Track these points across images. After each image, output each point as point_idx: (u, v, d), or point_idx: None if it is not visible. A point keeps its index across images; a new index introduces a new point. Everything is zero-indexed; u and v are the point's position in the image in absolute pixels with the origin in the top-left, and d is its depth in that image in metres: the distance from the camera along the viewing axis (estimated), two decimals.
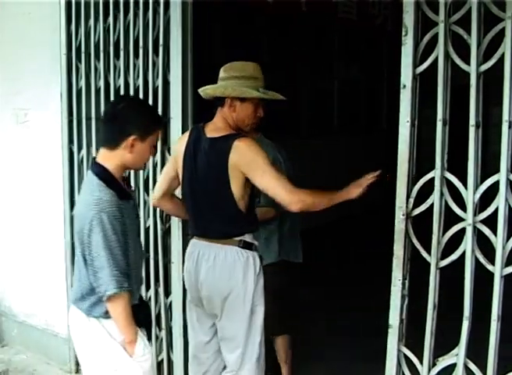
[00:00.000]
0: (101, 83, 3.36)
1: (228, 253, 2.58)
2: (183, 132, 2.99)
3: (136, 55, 3.16)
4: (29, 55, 3.72)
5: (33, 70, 3.70)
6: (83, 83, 3.45)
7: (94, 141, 3.43)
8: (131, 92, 3.19)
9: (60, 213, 3.65)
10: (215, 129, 2.59)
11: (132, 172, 3.21)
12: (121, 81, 3.25)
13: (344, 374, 3.64)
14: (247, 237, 2.61)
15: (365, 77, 9.08)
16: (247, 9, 6.13)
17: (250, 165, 2.46)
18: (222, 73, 2.61)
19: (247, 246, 2.60)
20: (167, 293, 3.22)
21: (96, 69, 3.39)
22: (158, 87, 3.07)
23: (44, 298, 3.91)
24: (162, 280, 3.20)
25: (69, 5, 3.44)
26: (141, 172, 3.19)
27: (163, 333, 3.26)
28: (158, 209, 3.14)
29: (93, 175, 2.19)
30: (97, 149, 3.19)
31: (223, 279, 2.59)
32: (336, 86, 8.43)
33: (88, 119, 3.46)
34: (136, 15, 3.13)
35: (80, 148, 3.52)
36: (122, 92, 3.24)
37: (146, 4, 3.07)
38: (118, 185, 2.22)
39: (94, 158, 2.29)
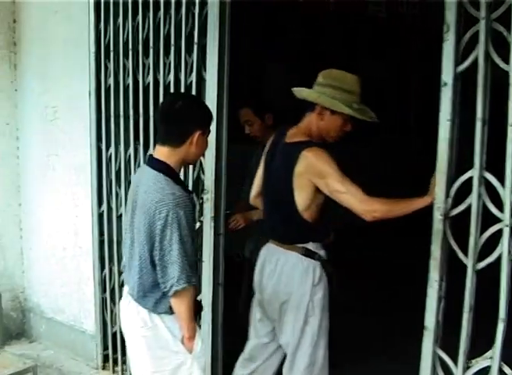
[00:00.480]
0: (130, 81, 3.36)
1: (289, 259, 2.60)
2: (217, 130, 2.99)
3: (166, 53, 3.15)
4: (58, 54, 3.73)
5: (62, 68, 3.72)
6: (111, 81, 3.44)
7: (122, 139, 3.43)
8: (161, 89, 3.18)
9: (88, 210, 3.66)
10: (294, 133, 2.60)
11: None
12: (150, 79, 3.24)
13: None
14: (311, 246, 2.60)
15: (393, 76, 8.94)
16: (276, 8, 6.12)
17: (318, 175, 2.44)
18: (320, 78, 2.58)
19: (309, 254, 2.58)
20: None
21: (124, 67, 3.38)
22: (190, 84, 3.06)
23: (71, 294, 3.93)
24: None
25: (97, 3, 3.44)
26: None
27: None
28: None
29: (155, 171, 2.21)
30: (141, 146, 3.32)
31: (281, 284, 2.60)
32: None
33: (116, 117, 3.45)
34: (166, 13, 3.12)
35: (108, 146, 3.52)
36: (151, 89, 3.23)
37: (178, 3, 3.06)
38: (181, 180, 2.33)
39: (151, 155, 2.33)
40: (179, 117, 2.24)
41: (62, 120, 3.79)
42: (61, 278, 3.98)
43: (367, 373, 3.65)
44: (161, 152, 2.25)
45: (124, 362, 3.66)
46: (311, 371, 2.65)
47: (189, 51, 3.07)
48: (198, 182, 3.13)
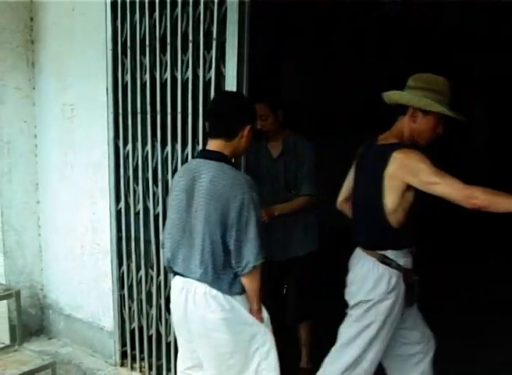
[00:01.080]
0: (147, 78, 3.35)
1: (365, 264, 2.63)
2: None
3: (183, 50, 3.14)
4: (75, 51, 3.74)
5: (79, 66, 3.73)
6: (128, 78, 3.44)
7: (139, 135, 3.43)
8: (178, 86, 3.18)
9: (106, 208, 3.66)
10: (386, 137, 2.62)
11: (179, 167, 3.22)
12: (167, 75, 3.24)
13: None
14: (390, 253, 2.60)
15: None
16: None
17: (411, 173, 2.43)
18: (410, 82, 2.60)
19: (386, 262, 2.59)
20: None
21: (141, 64, 3.38)
22: (209, 80, 3.05)
23: (90, 291, 3.95)
24: None
25: (114, 1, 3.43)
26: None
27: None
28: None
29: (217, 162, 2.40)
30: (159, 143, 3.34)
31: (355, 286, 2.66)
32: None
33: (134, 113, 3.45)
34: (183, 10, 3.11)
35: (125, 143, 3.52)
36: (168, 86, 3.22)
37: (196, 0, 3.05)
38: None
39: (204, 149, 2.55)
40: (234, 112, 2.45)
41: (79, 118, 3.80)
42: (79, 275, 4.00)
43: None
44: (215, 145, 2.45)
45: (142, 358, 3.67)
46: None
47: (207, 48, 3.06)
48: None
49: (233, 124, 2.44)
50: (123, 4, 3.39)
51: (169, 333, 3.47)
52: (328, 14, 6.70)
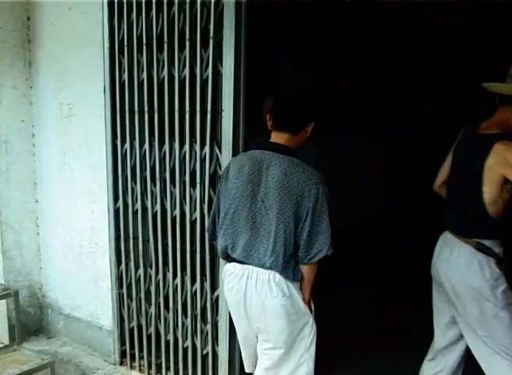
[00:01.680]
0: (144, 77, 3.35)
1: (462, 252, 2.64)
2: (234, 125, 2.99)
3: (180, 48, 3.14)
4: (72, 50, 3.73)
5: (76, 65, 3.71)
6: (126, 76, 3.43)
7: (137, 134, 3.42)
8: (176, 84, 3.18)
9: (104, 206, 3.66)
10: (488, 126, 2.61)
11: (177, 166, 3.23)
12: (165, 74, 3.24)
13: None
14: (487, 242, 2.61)
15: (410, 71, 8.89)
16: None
17: (509, 165, 2.45)
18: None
19: (483, 249, 2.60)
20: (213, 287, 3.22)
21: (139, 62, 3.37)
22: (206, 78, 3.05)
23: (89, 290, 3.95)
24: (209, 274, 3.20)
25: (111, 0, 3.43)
26: (187, 165, 3.18)
27: (208, 327, 3.27)
28: (205, 202, 3.13)
29: (286, 156, 2.47)
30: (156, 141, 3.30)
31: (457, 276, 2.66)
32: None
33: (131, 112, 3.45)
34: (180, 8, 3.11)
35: (123, 142, 3.51)
36: (166, 85, 3.23)
37: None
38: None
39: (269, 142, 2.57)
40: (304, 109, 2.54)
41: (77, 117, 3.79)
42: (78, 274, 4.00)
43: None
44: (281, 138, 2.54)
45: (141, 357, 3.68)
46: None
47: (204, 46, 3.06)
48: (215, 177, 3.12)
49: (303, 120, 2.53)
50: (120, 3, 3.39)
51: (168, 332, 3.48)
52: (328, 13, 6.72)
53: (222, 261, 3.12)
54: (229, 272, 2.61)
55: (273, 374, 2.61)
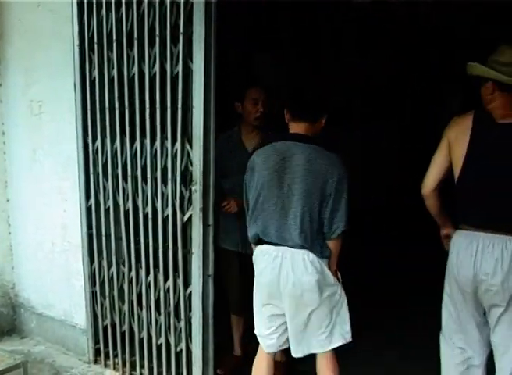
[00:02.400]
0: (115, 73, 3.33)
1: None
2: (205, 121, 3.00)
3: (150, 44, 3.13)
4: (42, 47, 3.69)
5: (46, 62, 3.68)
6: (96, 73, 3.40)
7: (108, 131, 3.40)
8: (146, 81, 3.17)
9: (76, 204, 3.64)
10: (506, 115, 2.60)
11: (148, 162, 3.22)
12: (135, 70, 3.22)
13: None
14: None
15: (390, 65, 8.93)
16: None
17: None
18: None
19: None
20: (186, 284, 3.22)
21: (109, 59, 3.35)
22: (176, 75, 3.05)
23: (61, 289, 3.92)
24: (182, 271, 3.20)
25: None
26: (158, 162, 3.17)
27: (182, 324, 3.27)
28: (177, 199, 3.12)
29: (307, 144, 2.72)
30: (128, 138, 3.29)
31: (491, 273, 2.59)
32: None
33: (102, 109, 3.42)
34: (150, 4, 3.10)
35: (94, 139, 3.49)
36: (136, 81, 3.21)
37: None
38: None
39: (289, 133, 2.80)
40: (323, 99, 2.82)
41: (47, 114, 3.75)
42: (50, 273, 3.97)
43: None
44: (300, 128, 2.79)
45: (115, 355, 3.67)
46: None
47: (174, 42, 3.05)
48: (186, 173, 3.11)
49: (321, 110, 2.80)
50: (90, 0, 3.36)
51: (142, 330, 3.47)
52: (305, 12, 6.73)
53: (194, 257, 3.14)
54: (263, 253, 2.82)
55: (304, 340, 2.84)
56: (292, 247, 2.74)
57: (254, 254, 2.91)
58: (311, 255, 2.72)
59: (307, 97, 2.84)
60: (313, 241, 2.73)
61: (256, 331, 3.02)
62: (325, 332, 2.82)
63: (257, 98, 3.39)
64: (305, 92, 2.87)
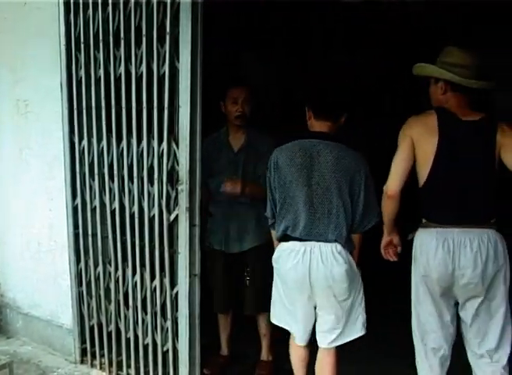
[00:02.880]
0: (101, 73, 3.33)
1: (490, 237, 2.67)
2: (191, 121, 2.99)
3: (137, 44, 3.13)
4: (29, 46, 3.68)
5: (33, 61, 3.67)
6: (82, 73, 3.40)
7: (94, 130, 3.40)
8: (133, 80, 3.16)
9: (62, 204, 3.63)
10: (465, 113, 2.69)
11: (135, 162, 3.22)
12: (121, 70, 3.22)
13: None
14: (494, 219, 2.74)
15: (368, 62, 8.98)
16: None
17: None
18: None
19: (500, 229, 2.73)
20: (172, 283, 3.21)
21: (95, 58, 3.35)
22: (163, 74, 3.05)
23: (48, 289, 3.91)
24: (168, 270, 3.19)
25: None
26: (145, 161, 3.18)
27: (168, 324, 3.26)
28: (163, 198, 3.12)
29: (333, 142, 2.82)
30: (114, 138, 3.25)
31: (491, 260, 2.66)
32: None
33: (89, 109, 3.42)
34: (136, 4, 3.10)
35: (80, 139, 3.49)
36: (123, 81, 3.21)
37: None
38: None
39: (314, 131, 2.90)
40: (345, 100, 2.99)
41: (34, 113, 3.75)
42: (36, 273, 3.95)
43: None
44: (324, 127, 2.88)
45: (102, 355, 3.66)
46: None
47: (161, 42, 3.05)
48: (172, 173, 3.11)
49: (343, 110, 2.92)
50: None
51: (128, 329, 3.46)
52: (291, 12, 6.74)
53: (180, 257, 3.14)
54: (290, 249, 2.88)
55: (338, 330, 2.92)
56: (321, 241, 2.83)
57: (277, 254, 2.96)
58: (339, 247, 2.82)
59: (332, 97, 2.96)
60: (347, 234, 2.84)
61: (292, 330, 3.05)
62: (352, 321, 2.94)
63: (236, 98, 3.39)
64: (330, 92, 2.99)
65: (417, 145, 2.70)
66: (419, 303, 2.83)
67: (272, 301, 3.08)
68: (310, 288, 2.85)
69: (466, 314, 2.77)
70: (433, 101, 2.81)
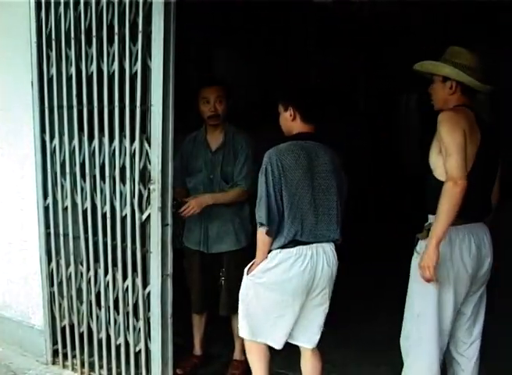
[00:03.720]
0: (73, 71, 3.29)
1: (487, 234, 2.81)
2: (163, 119, 2.98)
3: (109, 42, 3.11)
4: None
5: (3, 58, 3.62)
6: (54, 71, 3.37)
7: (66, 129, 3.37)
8: (105, 79, 3.14)
9: (33, 203, 3.59)
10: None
11: (107, 161, 3.20)
12: (93, 68, 3.19)
13: None
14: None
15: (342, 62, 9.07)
16: None
17: None
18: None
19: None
20: (145, 283, 3.20)
21: (67, 56, 3.32)
22: (135, 73, 3.03)
23: (19, 289, 3.86)
24: (140, 270, 3.18)
25: None
26: (117, 160, 3.16)
27: (141, 324, 3.24)
28: (136, 198, 3.10)
29: (322, 144, 2.87)
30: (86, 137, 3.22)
31: (490, 257, 2.82)
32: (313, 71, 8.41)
33: (60, 107, 3.39)
34: (108, 2, 3.07)
35: (52, 138, 3.45)
36: (95, 79, 3.18)
37: None
38: None
39: (309, 133, 2.88)
40: (327, 103, 3.09)
41: (4, 111, 3.69)
42: (7, 273, 3.90)
43: None
44: (312, 128, 2.89)
45: (74, 356, 3.63)
46: None
47: (133, 40, 3.03)
48: (144, 172, 3.10)
49: (326, 114, 3.00)
50: None
51: (100, 330, 3.44)
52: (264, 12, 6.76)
53: (152, 257, 3.12)
54: (297, 255, 2.81)
55: (322, 328, 2.95)
56: (323, 242, 2.85)
57: (274, 263, 2.81)
58: (333, 246, 2.88)
59: (319, 102, 2.97)
60: (338, 237, 2.89)
61: (268, 341, 2.96)
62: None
63: (208, 97, 3.37)
64: (319, 95, 3.00)
65: (468, 140, 2.60)
66: (443, 309, 2.75)
67: (244, 315, 2.95)
68: (308, 292, 2.83)
69: (470, 303, 2.88)
70: (438, 99, 2.81)
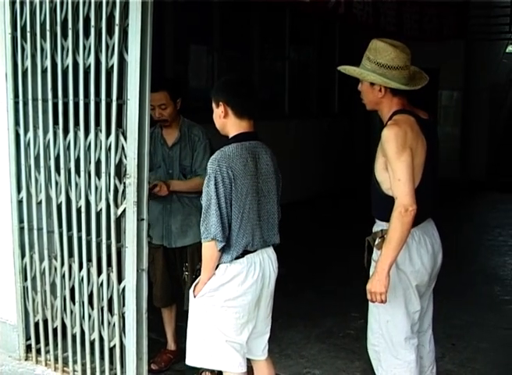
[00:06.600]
0: (48, 64, 3.27)
1: (435, 230, 2.82)
2: (139, 114, 2.97)
3: (85, 35, 3.08)
4: None
5: None
6: (29, 63, 3.34)
7: (40, 122, 3.34)
8: (81, 72, 3.12)
9: (7, 197, 3.55)
10: (416, 111, 2.70)
11: (82, 155, 3.17)
12: (69, 61, 3.17)
13: None
14: None
15: (316, 61, 9.16)
16: None
17: None
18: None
19: None
20: (120, 278, 3.18)
21: (42, 49, 3.29)
22: (112, 66, 3.01)
23: None
24: (115, 265, 3.16)
25: None
26: (92, 154, 3.14)
27: (115, 319, 3.23)
28: (111, 192, 3.08)
29: (261, 142, 2.71)
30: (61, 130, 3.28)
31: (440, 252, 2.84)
32: (288, 69, 8.48)
33: (35, 100, 3.36)
34: None
35: (26, 131, 3.42)
36: (70, 72, 3.16)
37: None
38: None
39: (248, 132, 2.66)
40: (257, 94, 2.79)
41: None
42: None
43: None
44: (251, 126, 2.67)
45: (47, 351, 3.60)
46: None
47: (110, 33, 3.02)
48: (120, 166, 3.08)
49: (257, 107, 2.73)
50: None
51: (75, 325, 3.42)
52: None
53: (128, 251, 3.11)
54: (249, 265, 2.64)
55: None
56: (267, 247, 2.74)
57: (233, 273, 2.61)
58: (273, 250, 2.78)
59: (254, 95, 2.74)
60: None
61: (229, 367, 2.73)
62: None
63: (152, 104, 3.28)
64: (253, 90, 2.76)
65: (414, 154, 2.54)
66: (411, 310, 2.73)
67: (197, 341, 2.72)
68: (260, 299, 2.72)
69: (423, 301, 2.86)
70: (368, 101, 2.70)
